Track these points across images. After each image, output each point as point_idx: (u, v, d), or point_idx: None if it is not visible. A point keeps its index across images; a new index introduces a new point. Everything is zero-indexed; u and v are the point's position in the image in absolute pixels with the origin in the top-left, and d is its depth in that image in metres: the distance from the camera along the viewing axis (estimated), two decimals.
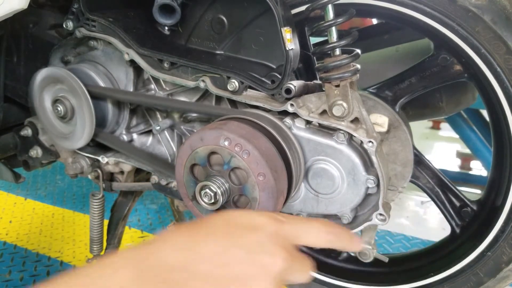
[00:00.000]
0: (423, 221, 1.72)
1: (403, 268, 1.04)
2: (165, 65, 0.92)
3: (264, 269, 0.49)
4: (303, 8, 0.84)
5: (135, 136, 1.07)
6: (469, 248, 0.92)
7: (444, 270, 0.95)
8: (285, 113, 0.82)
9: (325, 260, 1.11)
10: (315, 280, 1.09)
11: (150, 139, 1.08)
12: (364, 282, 1.05)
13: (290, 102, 0.80)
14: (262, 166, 0.70)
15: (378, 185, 0.80)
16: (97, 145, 1.08)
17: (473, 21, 0.76)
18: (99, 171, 1.09)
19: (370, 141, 0.77)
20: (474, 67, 0.80)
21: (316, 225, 0.58)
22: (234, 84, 0.85)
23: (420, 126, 3.96)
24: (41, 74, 1.02)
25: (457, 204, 1.00)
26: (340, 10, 0.77)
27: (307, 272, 0.55)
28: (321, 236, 0.58)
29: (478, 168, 3.10)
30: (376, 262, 0.93)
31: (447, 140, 3.82)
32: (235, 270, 0.48)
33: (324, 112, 0.80)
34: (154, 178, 1.02)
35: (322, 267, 1.09)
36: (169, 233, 0.53)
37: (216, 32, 0.91)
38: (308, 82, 0.86)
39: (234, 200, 0.75)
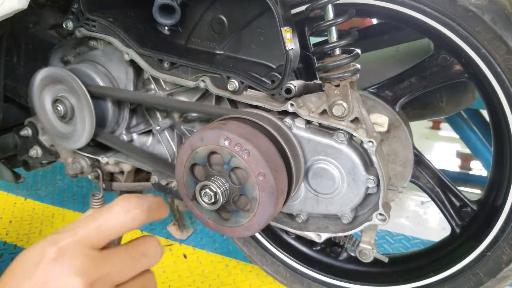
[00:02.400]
0: (423, 221, 1.72)
1: (403, 268, 1.04)
2: (165, 65, 0.92)
3: None
4: (303, 8, 0.84)
5: (135, 136, 1.07)
6: (469, 248, 0.92)
7: (444, 270, 0.95)
8: (285, 113, 0.82)
9: (325, 260, 1.11)
10: (315, 280, 1.09)
11: (150, 139, 1.08)
12: (364, 282, 1.05)
13: (290, 102, 0.80)
14: (262, 166, 0.70)
15: (378, 185, 0.80)
16: (97, 145, 1.08)
17: (473, 21, 0.76)
18: (99, 171, 1.09)
19: (370, 141, 0.77)
20: (474, 67, 0.80)
21: (112, 213, 0.51)
22: (234, 84, 0.85)
23: (420, 126, 3.96)
24: (41, 74, 1.02)
25: (457, 204, 1.00)
26: (340, 10, 0.77)
27: None
28: (122, 221, 0.51)
29: (478, 168, 3.10)
30: (376, 262, 0.94)
31: (447, 140, 3.82)
32: None
33: (324, 112, 0.80)
34: (154, 178, 1.02)
35: (322, 267, 1.10)
36: None
37: (216, 32, 0.91)
38: (308, 82, 0.86)
39: (234, 200, 0.74)
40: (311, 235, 0.89)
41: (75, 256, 0.47)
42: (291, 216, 0.92)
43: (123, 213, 0.51)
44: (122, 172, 1.11)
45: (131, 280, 0.51)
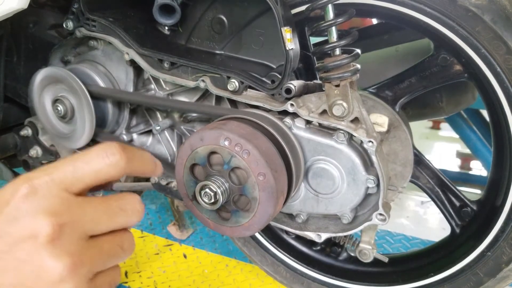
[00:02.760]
0: (423, 221, 1.71)
1: (403, 268, 1.04)
2: (165, 65, 0.92)
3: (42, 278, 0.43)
4: (303, 8, 0.84)
5: (135, 136, 1.07)
6: (469, 248, 0.92)
7: (444, 270, 0.95)
8: (285, 113, 0.82)
9: (325, 260, 1.11)
10: (316, 280, 1.09)
11: (150, 139, 1.08)
12: (364, 282, 1.05)
13: (290, 102, 0.80)
14: (262, 166, 0.70)
15: (378, 185, 0.80)
16: None
17: (473, 21, 0.76)
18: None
19: (370, 141, 0.77)
20: (474, 67, 0.80)
21: (90, 156, 0.49)
22: (234, 84, 0.85)
23: (420, 126, 3.96)
24: (41, 74, 1.02)
25: (457, 204, 1.00)
26: (340, 10, 0.77)
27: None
28: (99, 164, 0.48)
29: (478, 168, 3.10)
30: (376, 262, 0.94)
31: (447, 140, 3.82)
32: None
33: (324, 112, 0.80)
34: (154, 178, 1.02)
35: (322, 267, 1.09)
36: None
37: (216, 32, 0.91)
38: (308, 82, 0.86)
39: (234, 200, 0.74)
40: (311, 235, 0.89)
41: (47, 196, 0.45)
42: (291, 216, 0.92)
43: (101, 158, 0.48)
44: None
45: (106, 234, 0.49)
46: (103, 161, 0.48)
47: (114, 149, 0.49)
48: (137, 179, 1.15)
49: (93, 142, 1.03)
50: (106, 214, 0.48)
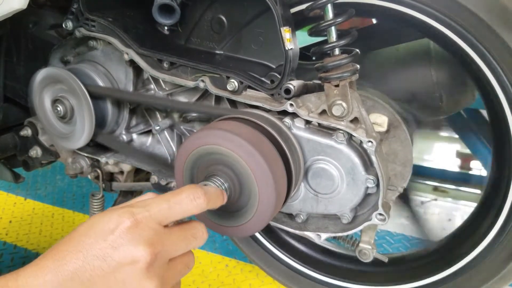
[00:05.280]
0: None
1: (403, 268, 1.04)
2: (165, 65, 0.92)
3: None
4: (302, 7, 0.84)
5: (134, 136, 1.07)
6: (469, 248, 0.92)
7: (444, 270, 0.95)
8: (284, 113, 0.82)
9: (325, 259, 1.11)
10: (316, 280, 1.09)
11: (149, 139, 1.08)
12: (364, 282, 1.05)
13: (290, 102, 0.80)
14: (261, 166, 0.70)
15: (377, 185, 0.80)
16: (96, 145, 1.08)
17: (473, 20, 0.76)
18: (98, 171, 1.09)
19: (369, 141, 0.77)
20: (474, 67, 0.80)
21: (181, 198, 0.59)
22: (233, 84, 0.85)
23: None
24: (41, 74, 1.02)
25: None
26: (340, 10, 0.77)
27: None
28: (188, 206, 0.59)
29: (478, 168, 3.09)
30: (376, 262, 0.94)
31: (447, 140, 3.82)
32: None
33: (323, 112, 0.80)
34: (154, 178, 1.02)
35: (322, 267, 1.09)
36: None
37: (216, 32, 0.91)
38: (308, 82, 0.85)
39: (234, 200, 0.74)
40: (311, 235, 0.89)
41: (146, 229, 0.54)
42: (290, 216, 0.92)
43: (189, 200, 0.59)
44: (122, 172, 1.11)
45: (179, 257, 0.59)
46: (191, 203, 0.59)
47: (199, 193, 0.60)
48: (137, 179, 1.15)
49: (92, 142, 1.04)
50: (184, 242, 0.59)
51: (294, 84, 0.80)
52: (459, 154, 3.25)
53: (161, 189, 1.02)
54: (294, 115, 0.82)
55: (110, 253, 0.52)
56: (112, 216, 0.55)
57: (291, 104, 0.80)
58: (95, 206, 1.16)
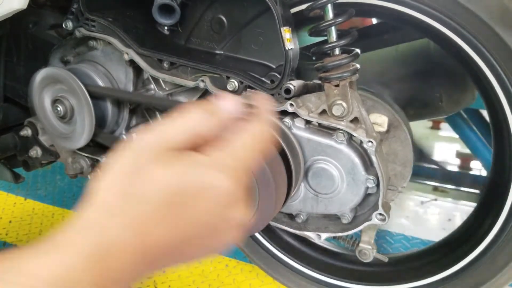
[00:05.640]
0: (423, 221, 1.71)
1: (403, 268, 1.04)
2: (165, 65, 0.92)
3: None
4: (302, 7, 0.84)
5: (135, 136, 1.07)
6: (469, 248, 0.92)
7: (444, 270, 0.95)
8: (284, 113, 0.82)
9: (325, 259, 1.11)
10: (316, 280, 1.09)
11: None
12: (364, 282, 1.04)
13: (290, 102, 0.80)
14: (261, 166, 0.70)
15: (377, 185, 0.80)
16: (97, 145, 1.08)
17: (474, 20, 0.76)
18: (99, 171, 1.09)
19: (369, 141, 0.77)
20: (474, 67, 0.80)
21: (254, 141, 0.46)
22: (233, 84, 0.85)
23: (420, 126, 3.96)
24: (41, 74, 1.02)
25: None
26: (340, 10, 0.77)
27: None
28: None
29: (478, 168, 3.09)
30: (376, 262, 0.94)
31: (447, 140, 3.82)
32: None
33: (323, 111, 0.80)
34: None
35: (322, 267, 1.09)
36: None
37: (216, 32, 0.91)
38: (308, 82, 0.86)
39: None
40: (311, 235, 0.89)
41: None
42: (290, 216, 0.92)
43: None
44: None
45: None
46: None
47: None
48: None
49: (92, 142, 1.04)
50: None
51: (294, 84, 0.80)
52: (459, 154, 3.26)
53: None
54: (294, 115, 0.82)
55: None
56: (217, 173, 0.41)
57: (291, 104, 0.80)
58: None
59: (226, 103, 0.46)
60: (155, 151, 0.43)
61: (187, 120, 0.44)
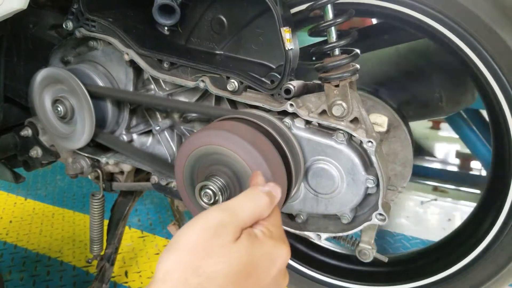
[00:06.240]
0: (423, 221, 1.72)
1: (403, 268, 1.04)
2: (165, 65, 0.92)
3: None
4: (302, 7, 0.85)
5: (135, 136, 1.07)
6: (469, 248, 0.92)
7: (444, 270, 0.95)
8: (284, 113, 0.82)
9: (325, 259, 1.11)
10: (316, 280, 1.09)
11: (150, 139, 1.08)
12: (364, 282, 1.05)
13: (290, 102, 0.81)
14: (261, 166, 0.70)
15: (377, 185, 0.80)
16: (97, 145, 1.08)
17: (473, 20, 0.76)
18: (99, 171, 1.09)
19: (369, 141, 0.77)
20: (473, 67, 0.80)
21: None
22: (233, 84, 0.85)
23: (420, 126, 3.95)
24: (41, 74, 1.02)
25: None
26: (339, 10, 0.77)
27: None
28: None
29: (478, 168, 3.09)
30: (376, 262, 0.94)
31: (447, 140, 3.82)
32: None
33: (323, 112, 0.80)
34: (154, 178, 1.02)
35: (322, 267, 1.10)
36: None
37: (216, 32, 0.91)
38: (308, 82, 0.86)
39: None
40: (311, 235, 0.89)
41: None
42: (290, 216, 0.92)
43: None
44: (122, 172, 1.11)
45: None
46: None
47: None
48: (137, 179, 1.15)
49: (93, 142, 1.04)
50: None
51: (294, 84, 0.81)
52: (459, 154, 3.26)
53: (161, 189, 1.02)
54: (294, 115, 0.82)
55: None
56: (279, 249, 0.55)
57: (291, 104, 0.80)
58: (96, 206, 1.16)
59: (276, 191, 0.60)
60: (231, 230, 0.53)
61: (257, 208, 0.57)
